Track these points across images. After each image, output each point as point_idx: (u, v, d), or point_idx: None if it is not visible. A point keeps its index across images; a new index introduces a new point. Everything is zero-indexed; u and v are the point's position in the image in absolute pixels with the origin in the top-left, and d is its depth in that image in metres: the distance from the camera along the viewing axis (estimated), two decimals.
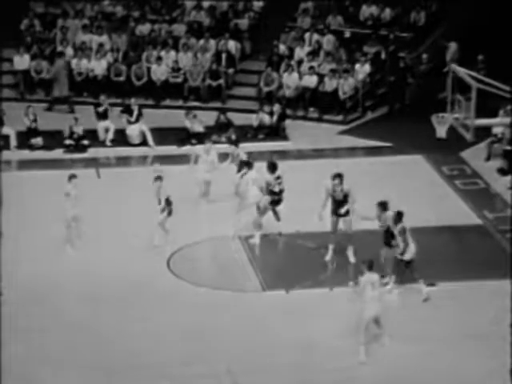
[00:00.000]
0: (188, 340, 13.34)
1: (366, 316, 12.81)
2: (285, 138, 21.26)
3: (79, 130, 20.52)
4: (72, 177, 15.61)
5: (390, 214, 14.19)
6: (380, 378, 12.54)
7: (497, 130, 19.56)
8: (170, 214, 15.57)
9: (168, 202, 15.55)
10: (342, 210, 14.65)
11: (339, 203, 14.73)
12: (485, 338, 13.33)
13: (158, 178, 15.75)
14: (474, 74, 15.27)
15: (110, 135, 20.83)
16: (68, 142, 20.46)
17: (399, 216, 14.11)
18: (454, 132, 15.49)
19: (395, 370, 12.66)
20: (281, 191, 15.69)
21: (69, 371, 12.52)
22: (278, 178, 15.73)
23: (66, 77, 22.63)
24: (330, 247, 15.03)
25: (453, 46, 22.81)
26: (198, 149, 17.82)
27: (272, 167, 15.82)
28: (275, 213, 15.95)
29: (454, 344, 13.22)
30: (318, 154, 20.37)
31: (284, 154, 20.36)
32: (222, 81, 23.14)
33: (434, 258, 15.15)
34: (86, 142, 20.48)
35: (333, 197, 14.77)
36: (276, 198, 15.71)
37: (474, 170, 19.29)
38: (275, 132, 21.30)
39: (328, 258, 15.01)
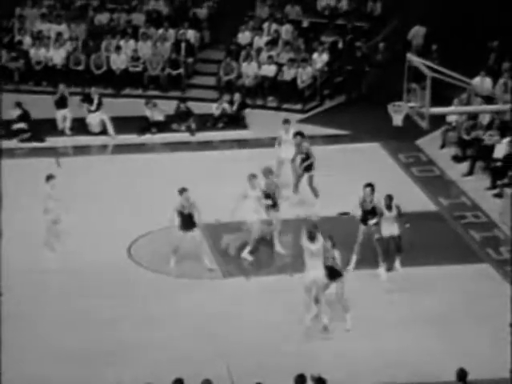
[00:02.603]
0: (148, 326, 13.48)
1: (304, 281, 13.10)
2: (244, 126, 21.43)
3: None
4: (50, 177, 15.30)
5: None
6: (338, 362, 12.79)
7: (451, 119, 19.90)
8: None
9: None
10: (371, 222, 14.80)
11: (366, 213, 14.86)
12: (441, 321, 13.65)
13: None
14: (428, 63, 15.50)
15: (68, 124, 20.82)
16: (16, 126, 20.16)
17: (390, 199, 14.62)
18: (409, 120, 15.72)
19: (354, 352, 12.92)
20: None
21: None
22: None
23: None
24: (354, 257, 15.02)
25: (421, 30, 23.03)
26: (280, 132, 17.70)
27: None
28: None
29: (409, 327, 13.53)
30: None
31: (244, 143, 20.54)
32: (181, 70, 23.21)
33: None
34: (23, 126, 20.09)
35: (362, 205, 14.92)
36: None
37: (429, 158, 19.64)
38: (235, 121, 21.46)
39: (350, 267, 14.84)
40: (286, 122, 17.94)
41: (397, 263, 15.03)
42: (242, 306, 14.05)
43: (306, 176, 16.94)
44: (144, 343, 13.07)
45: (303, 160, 16.89)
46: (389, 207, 14.81)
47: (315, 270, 13.11)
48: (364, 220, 14.90)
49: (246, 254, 15.29)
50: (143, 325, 13.58)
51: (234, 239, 15.62)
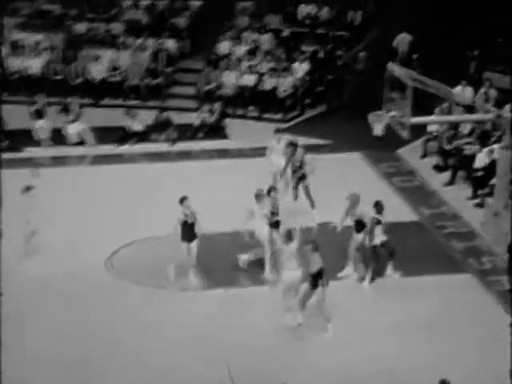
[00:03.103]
0: (127, 338, 13.36)
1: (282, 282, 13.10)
2: (225, 136, 21.39)
3: None
4: (28, 188, 15.18)
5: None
6: (322, 371, 12.73)
7: (432, 128, 19.97)
8: None
9: None
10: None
11: (358, 223, 14.91)
12: (426, 330, 13.63)
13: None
14: (409, 72, 15.55)
15: (46, 134, 20.68)
16: None
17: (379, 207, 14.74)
18: (390, 130, 15.75)
19: (341, 358, 12.87)
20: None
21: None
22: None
23: None
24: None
25: (407, 37, 23.12)
26: (271, 140, 17.57)
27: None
28: None
29: (394, 336, 13.51)
30: (258, 152, 20.50)
31: (224, 153, 20.50)
32: (160, 79, 23.15)
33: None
34: None
35: (350, 216, 15.06)
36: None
37: (410, 168, 19.68)
38: (215, 131, 21.42)
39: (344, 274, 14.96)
40: (278, 131, 17.78)
41: (389, 269, 15.01)
42: (227, 317, 13.97)
43: (301, 186, 16.79)
44: (129, 355, 12.94)
45: (295, 170, 16.76)
46: (379, 214, 14.81)
47: (291, 271, 13.08)
48: (357, 229, 14.88)
49: (267, 274, 14.87)
50: (123, 337, 13.46)
51: (250, 255, 15.28)
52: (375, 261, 14.84)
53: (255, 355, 12.94)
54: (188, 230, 14.65)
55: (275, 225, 15.01)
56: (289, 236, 13.23)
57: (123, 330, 13.63)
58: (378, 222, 14.71)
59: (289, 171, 16.92)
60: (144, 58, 23.46)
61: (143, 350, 13.07)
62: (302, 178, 16.70)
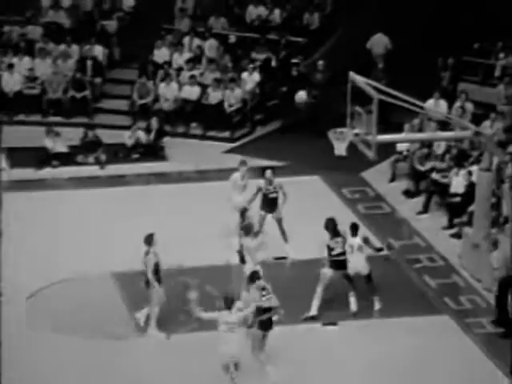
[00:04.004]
0: None
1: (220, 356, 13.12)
2: (163, 157, 21.54)
3: None
4: None
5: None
6: None
7: (402, 147, 20.33)
8: None
9: None
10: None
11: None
12: (391, 376, 13.88)
13: None
14: (374, 83, 15.87)
15: None
16: None
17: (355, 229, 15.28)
18: (354, 149, 16.01)
19: None
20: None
21: None
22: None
23: None
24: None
25: (383, 40, 23.58)
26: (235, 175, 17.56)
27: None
28: None
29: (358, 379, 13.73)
30: (202, 176, 20.72)
31: (163, 177, 20.63)
32: (87, 92, 23.25)
33: (336, 292, 15.69)
34: None
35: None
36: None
37: (377, 193, 20.01)
38: (152, 151, 21.56)
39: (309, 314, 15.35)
40: (243, 163, 17.78)
41: (376, 304, 15.45)
42: (163, 365, 14.12)
43: (271, 217, 16.91)
44: None
45: (272, 200, 16.91)
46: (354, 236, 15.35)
47: (227, 345, 13.14)
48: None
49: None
50: None
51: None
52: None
53: None
54: (158, 272, 14.86)
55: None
56: (228, 302, 13.32)
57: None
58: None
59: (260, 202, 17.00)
60: (67, 67, 23.53)
61: None
62: (275, 207, 16.91)
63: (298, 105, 15.36)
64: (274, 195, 16.99)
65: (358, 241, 15.50)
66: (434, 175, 18.99)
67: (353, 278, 15.42)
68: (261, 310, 13.53)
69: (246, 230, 15.17)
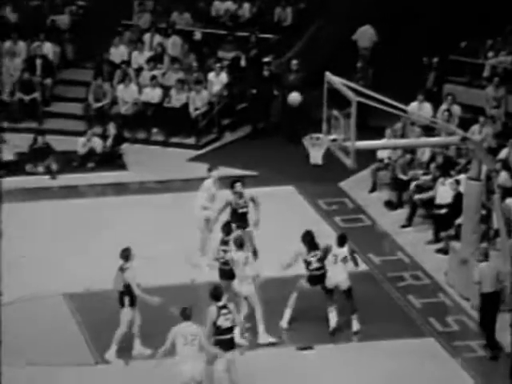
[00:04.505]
0: None
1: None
2: (122, 166, 21.51)
3: None
4: None
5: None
6: None
7: (383, 155, 20.41)
8: None
9: None
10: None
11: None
12: None
13: None
14: (352, 84, 15.93)
15: None
16: None
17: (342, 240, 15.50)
18: (331, 157, 16.06)
19: None
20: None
21: None
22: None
23: None
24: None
25: (369, 32, 23.69)
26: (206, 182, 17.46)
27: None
28: None
29: None
30: (165, 186, 20.70)
31: (121, 188, 20.59)
32: (37, 94, 23.18)
33: (308, 314, 15.75)
34: None
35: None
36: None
37: (356, 204, 20.07)
38: (109, 159, 21.52)
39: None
40: (213, 168, 17.60)
41: (354, 324, 15.48)
42: None
43: (242, 232, 16.81)
44: None
45: (243, 215, 16.91)
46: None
47: (187, 364, 13.21)
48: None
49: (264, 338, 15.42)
50: None
51: None
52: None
53: None
54: (132, 294, 14.85)
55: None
56: (185, 314, 13.40)
57: None
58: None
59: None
60: (14, 66, 23.46)
61: None
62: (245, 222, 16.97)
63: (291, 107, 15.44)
64: (244, 210, 16.97)
65: (344, 252, 15.57)
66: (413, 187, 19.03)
67: (333, 291, 15.49)
68: (221, 330, 13.55)
69: (238, 242, 15.25)
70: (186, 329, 13.24)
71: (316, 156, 15.99)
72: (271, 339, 15.30)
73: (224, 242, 15.73)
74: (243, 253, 15.35)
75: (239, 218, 16.86)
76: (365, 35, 23.89)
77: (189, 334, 13.20)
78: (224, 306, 13.66)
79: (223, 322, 13.59)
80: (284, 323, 15.68)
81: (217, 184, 17.48)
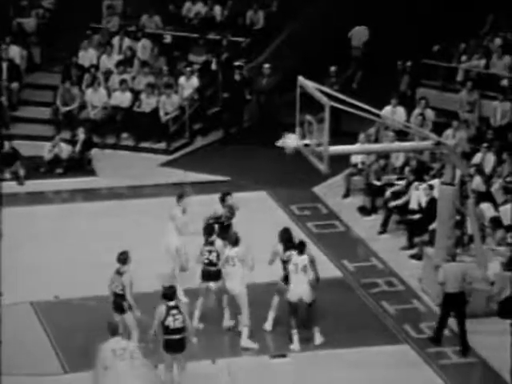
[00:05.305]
0: None
1: None
2: (91, 172, 21.50)
3: None
4: None
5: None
6: None
7: (356, 160, 20.52)
8: None
9: None
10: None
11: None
12: None
13: None
14: (326, 89, 16.00)
15: None
16: None
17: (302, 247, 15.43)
18: (304, 162, 16.11)
19: None
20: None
21: None
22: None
23: None
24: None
25: (362, 31, 23.84)
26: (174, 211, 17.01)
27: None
28: None
29: None
30: (135, 192, 20.69)
31: (90, 194, 20.57)
32: (3, 99, 23.13)
33: (282, 321, 15.76)
34: None
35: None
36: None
37: (329, 209, 20.15)
38: (78, 165, 21.51)
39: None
40: (184, 194, 17.27)
41: (317, 337, 15.48)
42: None
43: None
44: None
45: (228, 227, 16.78)
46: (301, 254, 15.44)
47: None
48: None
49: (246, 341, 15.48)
50: None
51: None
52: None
53: None
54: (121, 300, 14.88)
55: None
56: (113, 330, 13.43)
57: None
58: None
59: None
60: None
61: None
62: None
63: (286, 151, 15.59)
64: (230, 222, 16.95)
65: (304, 260, 15.46)
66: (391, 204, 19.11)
67: (297, 306, 15.40)
68: (169, 330, 13.64)
69: (233, 239, 15.41)
70: (115, 344, 13.20)
71: (289, 148, 16.01)
72: (252, 345, 15.37)
73: (208, 243, 15.75)
74: (239, 249, 15.45)
75: (226, 230, 16.78)
76: (358, 34, 24.07)
77: (118, 348, 13.16)
78: (175, 307, 13.73)
79: (171, 323, 13.70)
80: (268, 326, 15.74)
81: (186, 212, 17.11)
